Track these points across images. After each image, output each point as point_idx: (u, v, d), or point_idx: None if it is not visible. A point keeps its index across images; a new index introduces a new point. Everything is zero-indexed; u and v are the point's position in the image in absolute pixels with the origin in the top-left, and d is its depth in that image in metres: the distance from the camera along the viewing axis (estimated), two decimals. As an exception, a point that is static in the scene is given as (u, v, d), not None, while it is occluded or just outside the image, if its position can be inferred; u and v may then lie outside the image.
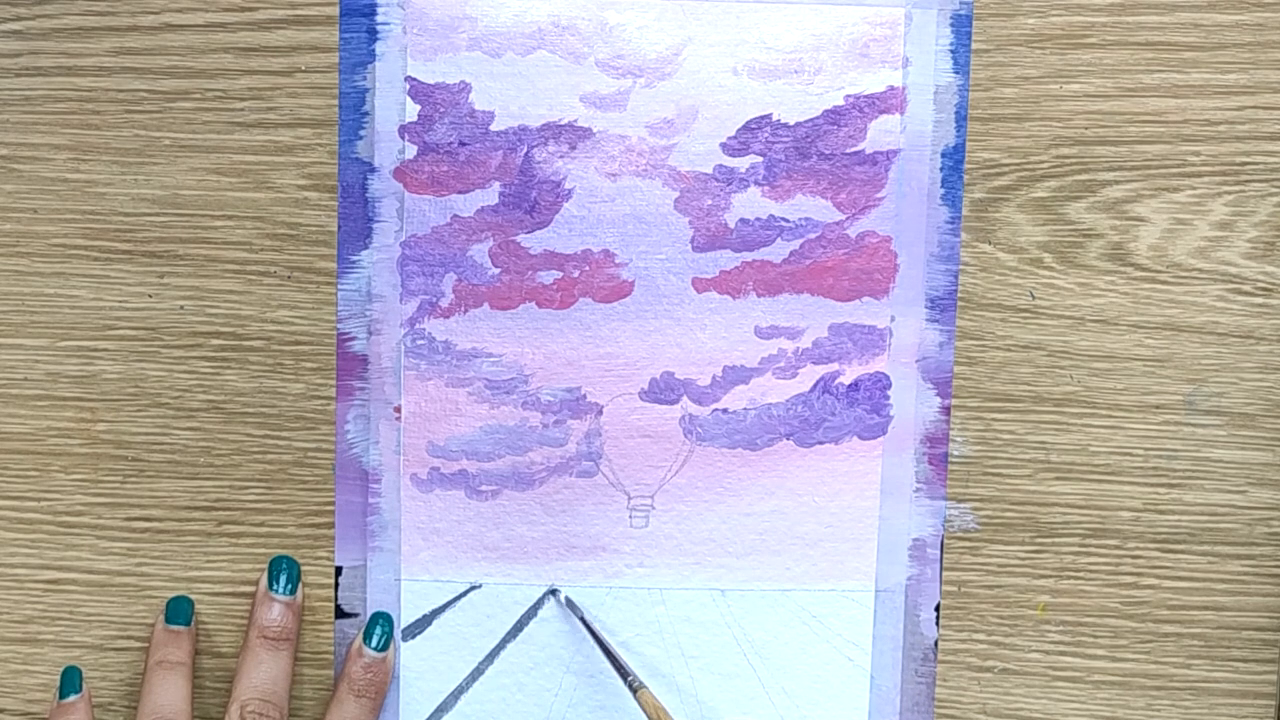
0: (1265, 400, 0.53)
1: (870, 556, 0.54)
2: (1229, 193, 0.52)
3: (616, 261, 0.53)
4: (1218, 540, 0.54)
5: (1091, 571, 0.54)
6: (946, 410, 0.54)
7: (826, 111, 0.52)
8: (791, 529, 0.54)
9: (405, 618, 0.54)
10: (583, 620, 0.53)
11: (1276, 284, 0.53)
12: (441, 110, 0.52)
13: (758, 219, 0.53)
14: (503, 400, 0.53)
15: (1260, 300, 0.53)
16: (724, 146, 0.52)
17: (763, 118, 0.52)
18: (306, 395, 0.53)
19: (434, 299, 0.53)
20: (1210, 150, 0.52)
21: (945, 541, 0.54)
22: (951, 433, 0.54)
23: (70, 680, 0.53)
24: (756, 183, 0.53)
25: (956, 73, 0.52)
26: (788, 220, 0.53)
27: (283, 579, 0.53)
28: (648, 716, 0.51)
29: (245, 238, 0.53)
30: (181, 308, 0.53)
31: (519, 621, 0.54)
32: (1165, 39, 0.52)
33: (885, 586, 0.54)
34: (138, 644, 0.54)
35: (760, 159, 0.52)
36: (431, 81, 0.52)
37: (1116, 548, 0.54)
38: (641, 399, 0.53)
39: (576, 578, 0.54)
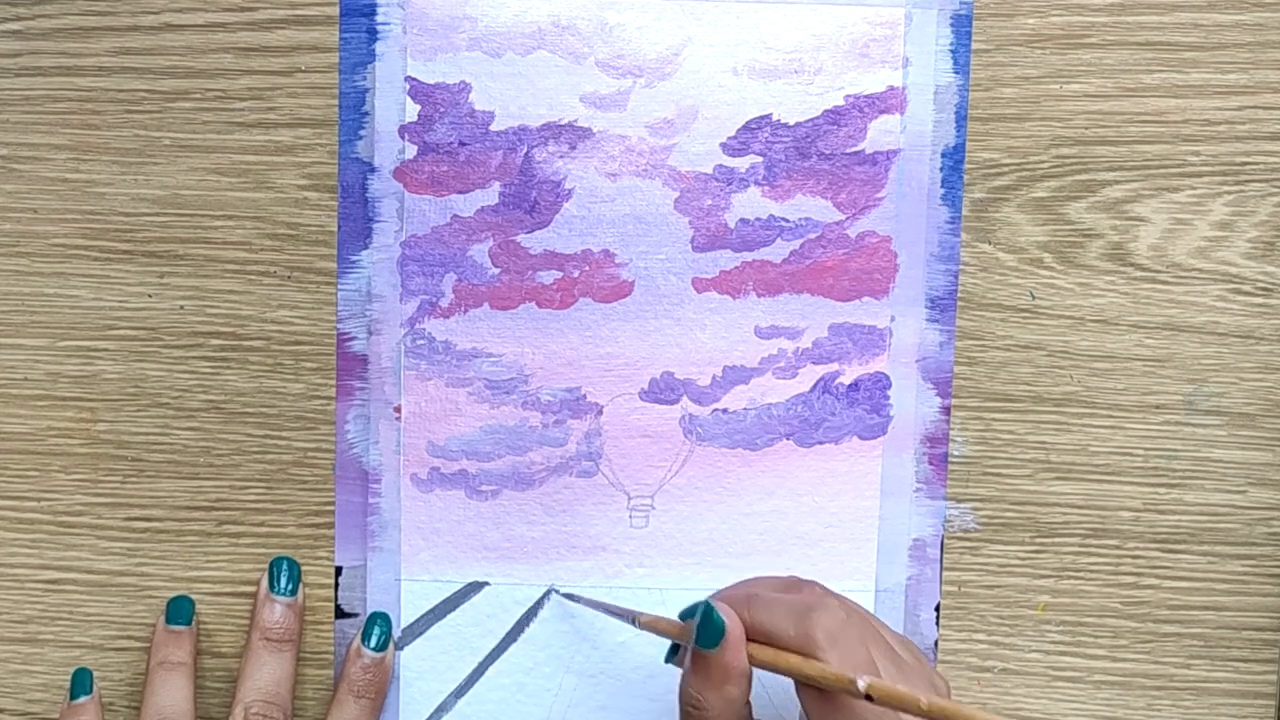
0: (1265, 400, 0.53)
1: (870, 556, 0.54)
2: (1229, 193, 0.52)
3: (616, 261, 0.53)
4: (1218, 540, 0.54)
5: (1091, 571, 0.54)
6: (946, 410, 0.54)
7: (826, 111, 0.52)
8: (791, 529, 0.54)
9: (405, 618, 0.54)
10: (588, 602, 0.53)
11: (1276, 284, 0.53)
12: (441, 110, 0.52)
13: (758, 219, 0.53)
14: (503, 400, 0.53)
15: (1260, 300, 0.53)
16: (724, 146, 0.52)
17: (763, 118, 0.52)
18: (306, 395, 0.53)
19: (434, 299, 0.53)
20: (1210, 150, 0.52)
21: (945, 541, 0.54)
22: (951, 433, 0.54)
23: (81, 681, 0.53)
24: (756, 183, 0.53)
25: (956, 73, 0.52)
26: (788, 220, 0.53)
27: (283, 579, 0.53)
28: (660, 633, 0.49)
29: (245, 238, 0.53)
30: (181, 308, 0.53)
31: (519, 621, 0.54)
32: (1165, 39, 0.52)
33: (885, 586, 0.54)
34: (138, 644, 0.54)
35: (760, 159, 0.52)
36: (431, 81, 0.52)
37: (1116, 548, 0.54)
38: (641, 399, 0.53)
39: (576, 578, 0.54)
